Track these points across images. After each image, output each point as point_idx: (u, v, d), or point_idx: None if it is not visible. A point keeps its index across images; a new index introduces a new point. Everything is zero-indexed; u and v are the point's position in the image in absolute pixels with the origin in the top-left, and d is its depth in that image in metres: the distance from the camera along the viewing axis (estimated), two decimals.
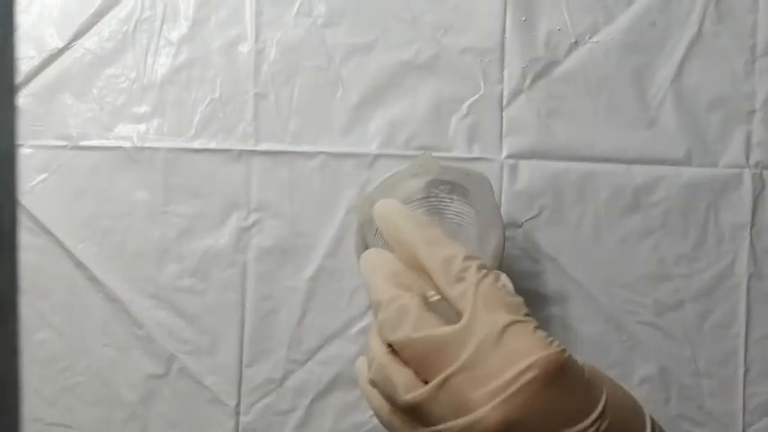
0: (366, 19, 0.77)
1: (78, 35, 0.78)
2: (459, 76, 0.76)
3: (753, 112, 0.76)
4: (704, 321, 0.75)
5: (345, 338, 0.76)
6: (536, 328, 0.41)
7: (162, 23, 0.78)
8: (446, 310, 0.44)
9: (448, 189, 0.69)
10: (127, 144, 0.77)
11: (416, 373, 0.41)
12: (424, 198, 0.70)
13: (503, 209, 0.75)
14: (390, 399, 0.42)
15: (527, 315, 0.42)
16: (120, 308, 0.76)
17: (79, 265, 0.77)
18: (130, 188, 0.77)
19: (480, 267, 0.44)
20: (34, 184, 0.77)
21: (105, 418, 0.76)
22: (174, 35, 0.78)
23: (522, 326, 0.40)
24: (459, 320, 0.41)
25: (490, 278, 0.43)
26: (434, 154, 0.76)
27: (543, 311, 0.74)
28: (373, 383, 0.44)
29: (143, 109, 0.78)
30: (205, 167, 0.77)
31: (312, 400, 0.76)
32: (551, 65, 0.77)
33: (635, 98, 0.76)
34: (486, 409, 0.36)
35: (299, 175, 0.76)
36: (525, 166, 0.76)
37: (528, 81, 0.76)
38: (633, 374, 0.75)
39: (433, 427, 0.39)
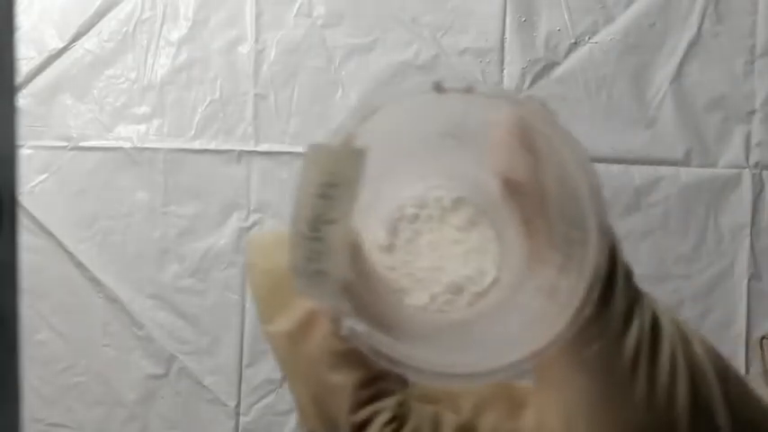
0: (366, 20, 0.77)
1: (78, 36, 0.78)
2: (458, 77, 0.76)
3: (752, 112, 0.76)
4: (704, 321, 0.75)
5: None
6: None
7: (162, 24, 0.78)
8: None
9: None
10: (127, 145, 0.77)
11: None
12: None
13: None
14: None
15: None
16: (120, 308, 0.76)
17: (79, 265, 0.76)
18: (130, 189, 0.77)
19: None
20: (34, 185, 0.77)
21: (105, 418, 0.76)
22: (174, 36, 0.78)
23: None
24: None
25: None
26: None
27: None
28: None
29: (143, 110, 0.78)
30: (205, 168, 0.77)
31: None
32: (551, 65, 0.77)
33: (634, 99, 0.76)
34: None
35: None
36: None
37: (527, 82, 0.76)
38: None
39: None
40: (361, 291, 0.29)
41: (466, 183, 0.34)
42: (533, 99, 0.28)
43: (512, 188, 0.28)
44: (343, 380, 0.31)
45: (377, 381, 0.31)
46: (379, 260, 0.33)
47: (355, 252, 0.30)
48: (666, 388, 0.27)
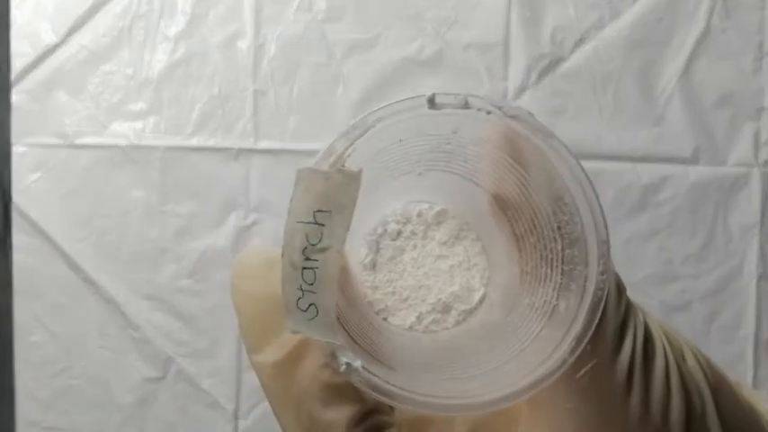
0: (368, 14, 0.76)
1: (73, 31, 0.77)
2: (462, 73, 0.75)
3: (761, 109, 0.75)
4: (712, 323, 0.74)
5: None
6: None
7: (159, 19, 0.77)
8: None
9: None
10: (123, 142, 0.76)
11: None
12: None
13: None
14: None
15: None
16: (116, 309, 0.75)
17: (74, 265, 0.75)
18: (127, 187, 0.76)
19: None
20: (28, 184, 0.76)
21: (101, 421, 0.75)
22: (172, 31, 0.77)
23: None
24: None
25: None
26: None
27: None
28: None
29: (139, 106, 0.76)
30: (203, 166, 0.76)
31: None
32: (557, 61, 0.76)
33: (641, 95, 0.75)
34: None
35: None
36: None
37: (533, 78, 0.75)
38: None
39: None
40: (349, 316, 0.28)
41: (451, 195, 0.33)
42: (525, 110, 0.27)
43: (501, 204, 0.27)
44: (337, 416, 0.29)
45: (371, 415, 0.30)
46: (362, 280, 0.32)
47: (344, 276, 0.29)
48: (660, 405, 0.26)
